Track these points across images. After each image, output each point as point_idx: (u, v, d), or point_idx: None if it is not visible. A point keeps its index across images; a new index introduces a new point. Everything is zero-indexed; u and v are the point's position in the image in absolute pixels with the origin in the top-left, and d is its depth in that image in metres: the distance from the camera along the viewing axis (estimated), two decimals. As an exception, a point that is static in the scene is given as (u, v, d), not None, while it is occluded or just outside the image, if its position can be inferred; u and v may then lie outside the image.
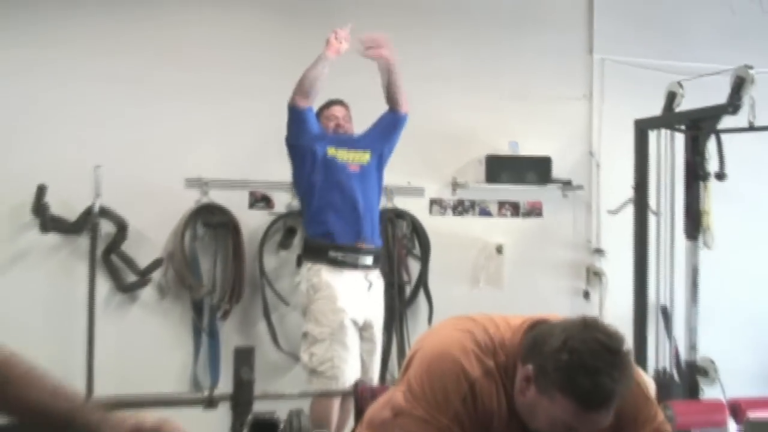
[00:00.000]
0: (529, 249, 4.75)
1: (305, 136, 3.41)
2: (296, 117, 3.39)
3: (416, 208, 4.60)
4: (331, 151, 3.46)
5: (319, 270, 3.33)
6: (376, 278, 3.53)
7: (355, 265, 3.35)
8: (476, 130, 4.67)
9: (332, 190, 3.38)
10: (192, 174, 4.31)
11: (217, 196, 4.32)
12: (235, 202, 4.33)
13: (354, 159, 3.47)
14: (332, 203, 3.36)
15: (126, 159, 4.20)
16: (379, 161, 3.56)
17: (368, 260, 3.40)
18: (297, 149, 3.47)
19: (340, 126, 3.60)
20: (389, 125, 3.57)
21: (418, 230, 4.55)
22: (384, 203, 4.33)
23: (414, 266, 4.54)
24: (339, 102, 3.67)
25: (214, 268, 4.26)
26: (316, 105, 3.64)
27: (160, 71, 4.23)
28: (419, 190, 4.65)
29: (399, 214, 4.53)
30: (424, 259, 4.53)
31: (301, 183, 3.51)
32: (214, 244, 4.27)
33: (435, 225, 4.62)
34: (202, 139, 4.32)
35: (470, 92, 4.62)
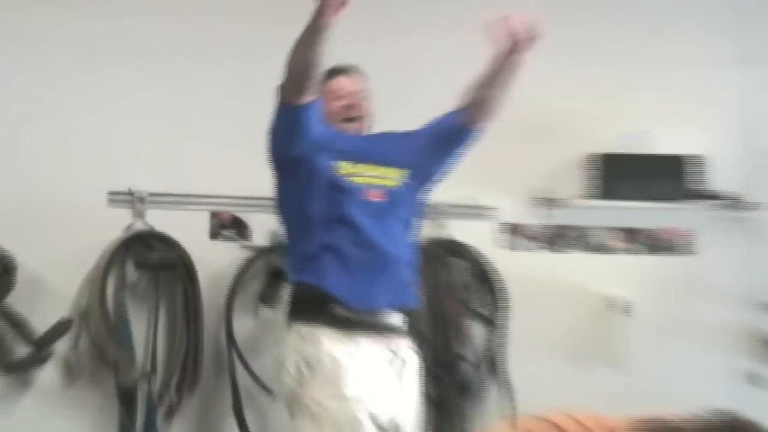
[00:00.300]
0: (668, 306, 4.51)
1: (300, 143, 3.12)
2: (288, 118, 3.11)
3: (483, 239, 4.40)
4: (343, 167, 3.17)
5: (317, 336, 3.02)
6: (409, 351, 3.18)
7: (374, 328, 3.05)
8: (575, 115, 4.46)
9: (339, 230, 3.10)
10: (120, 185, 4.14)
11: (160, 220, 4.14)
12: (189, 230, 4.15)
13: (378, 180, 3.21)
14: (337, 249, 3.07)
15: (20, 165, 4.11)
16: (420, 184, 3.31)
17: (396, 320, 3.10)
18: (286, 163, 3.18)
19: (354, 106, 3.28)
20: (453, 135, 3.31)
21: (486, 275, 4.32)
22: (430, 231, 4.15)
23: (480, 334, 4.35)
24: (347, 70, 3.38)
25: (154, 336, 4.09)
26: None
27: (78, 44, 4.16)
28: (488, 211, 4.48)
29: (454, 250, 4.30)
30: (498, 322, 4.31)
31: (289, 212, 3.24)
32: (154, 296, 4.11)
33: (515, 267, 4.40)
34: (137, 134, 4.21)
35: (564, 59, 4.37)
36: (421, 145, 3.30)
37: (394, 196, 3.20)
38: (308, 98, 3.07)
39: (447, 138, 3.30)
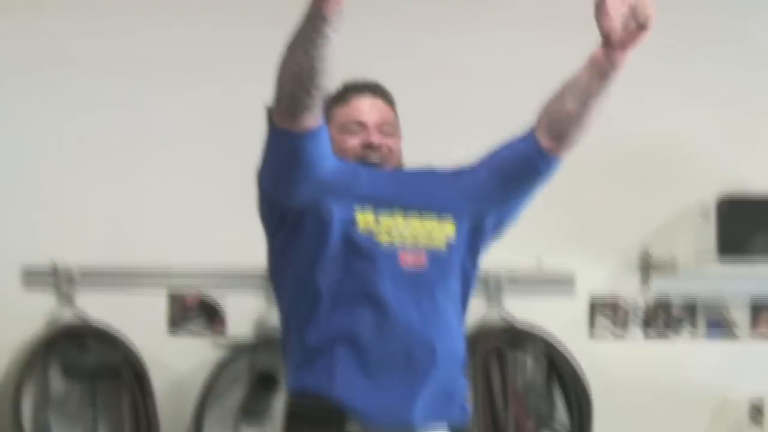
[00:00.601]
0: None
1: (303, 186, 2.74)
2: (284, 151, 2.73)
3: (558, 322, 4.11)
4: (363, 219, 2.79)
5: None
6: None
7: None
8: (691, 144, 4.27)
9: (358, 312, 2.74)
10: (39, 258, 3.89)
11: (97, 307, 3.84)
12: (139, 320, 3.87)
13: (418, 238, 2.82)
14: (355, 340, 2.72)
15: None
16: (476, 242, 2.88)
17: None
18: (283, 216, 2.79)
19: (375, 145, 2.89)
20: (523, 170, 2.90)
21: (562, 374, 4.08)
22: (481, 313, 4.03)
23: None
24: (368, 90, 2.96)
25: None
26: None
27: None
28: (564, 280, 4.22)
29: (517, 339, 4.10)
30: None
31: (288, 288, 2.82)
32: (89, 415, 3.82)
33: (603, 361, 4.14)
34: (64, 184, 3.96)
35: (673, 66, 4.17)
36: (477, 187, 2.87)
37: (440, 262, 2.78)
38: (310, 121, 2.62)
39: (515, 174, 2.86)
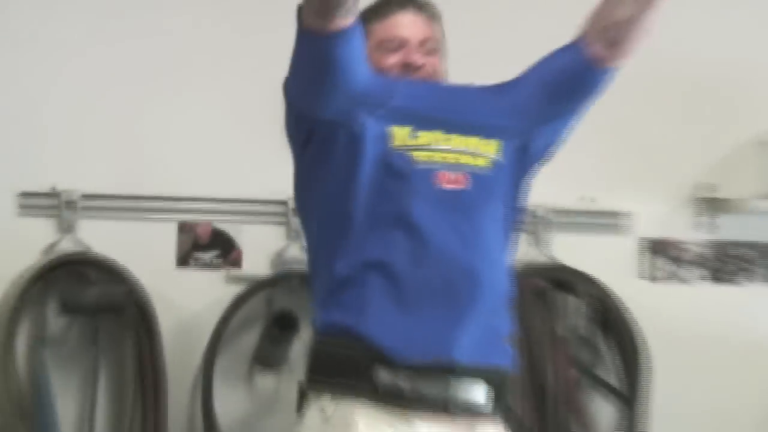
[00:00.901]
0: None
1: (336, 95, 2.73)
2: (314, 55, 2.70)
3: (610, 264, 4.01)
4: (399, 134, 2.77)
5: (348, 414, 2.55)
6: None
7: (438, 405, 2.56)
8: (754, 74, 4.08)
9: (392, 238, 2.70)
10: (38, 183, 3.79)
11: (99, 237, 3.75)
12: (146, 251, 3.78)
13: (459, 157, 2.80)
14: (388, 268, 2.68)
15: None
16: (524, 162, 2.87)
17: (474, 394, 2.58)
18: (313, 130, 2.79)
19: (415, 67, 2.87)
20: (574, 80, 2.89)
21: (613, 321, 3.93)
22: (525, 252, 3.97)
23: (605, 412, 3.93)
24: (413, 3, 2.95)
25: (91, 416, 3.68)
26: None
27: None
28: (616, 219, 4.09)
29: (563, 281, 3.97)
30: (634, 393, 3.89)
31: (316, 211, 2.84)
32: (90, 355, 3.71)
33: (660, 307, 3.96)
34: (65, 104, 3.85)
35: None
36: (524, 103, 2.80)
37: (483, 183, 2.69)
38: (344, 21, 2.54)
39: (563, 88, 2.78)
